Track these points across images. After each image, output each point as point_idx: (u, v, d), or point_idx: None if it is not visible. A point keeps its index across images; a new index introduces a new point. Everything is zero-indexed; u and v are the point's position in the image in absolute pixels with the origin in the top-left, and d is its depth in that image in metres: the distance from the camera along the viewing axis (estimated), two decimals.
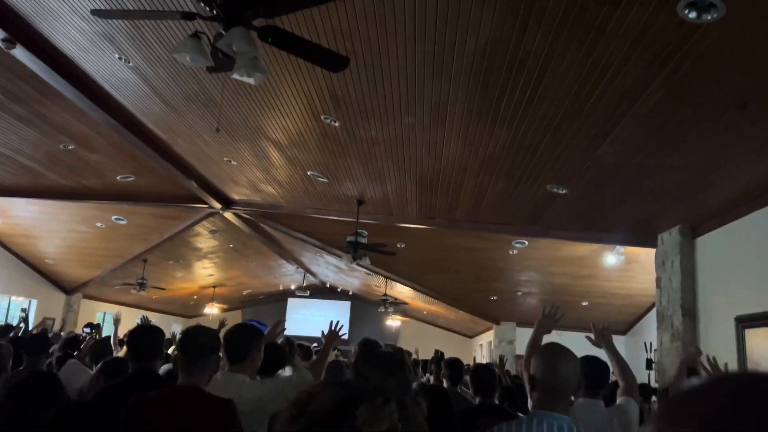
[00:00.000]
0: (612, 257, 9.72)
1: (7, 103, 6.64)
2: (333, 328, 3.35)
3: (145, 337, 2.94)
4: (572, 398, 2.50)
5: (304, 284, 19.30)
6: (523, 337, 16.37)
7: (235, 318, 16.32)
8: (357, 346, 4.24)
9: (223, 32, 2.76)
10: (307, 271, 18.30)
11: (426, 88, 4.56)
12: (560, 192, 6.33)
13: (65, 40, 5.33)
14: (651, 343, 9.74)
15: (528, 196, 6.83)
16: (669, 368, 6.75)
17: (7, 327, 8.29)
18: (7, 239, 13.80)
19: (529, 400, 2.84)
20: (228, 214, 10.85)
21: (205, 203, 9.98)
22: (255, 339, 2.80)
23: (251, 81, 3.00)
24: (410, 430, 0.88)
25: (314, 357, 5.02)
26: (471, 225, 8.42)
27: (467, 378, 5.72)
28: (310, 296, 20.24)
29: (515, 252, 10.11)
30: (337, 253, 12.03)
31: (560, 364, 2.12)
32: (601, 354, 3.10)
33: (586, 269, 10.61)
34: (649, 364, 9.47)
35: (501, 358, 7.11)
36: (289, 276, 19.17)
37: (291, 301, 21.79)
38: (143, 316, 3.89)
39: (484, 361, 16.83)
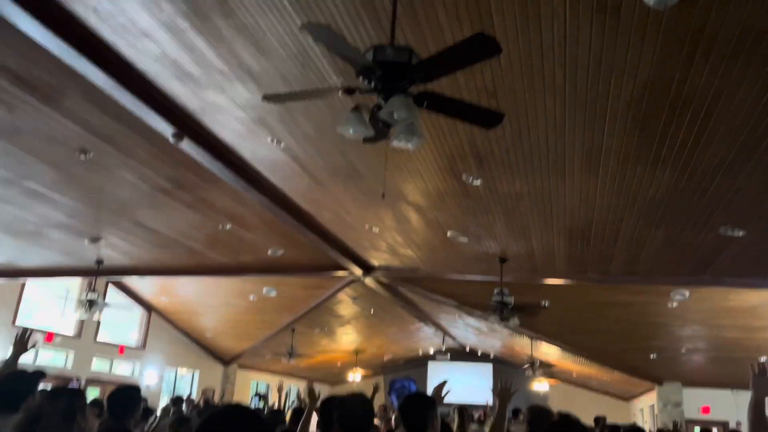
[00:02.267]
0: None
1: (176, 192, 7.35)
2: (505, 385, 3.17)
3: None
4: None
5: (444, 348, 18.98)
6: (690, 398, 14.74)
7: (379, 383, 16.33)
8: (527, 413, 3.98)
9: (382, 102, 2.83)
10: (446, 333, 18.02)
11: (577, 135, 4.38)
12: (736, 235, 5.71)
13: (225, 130, 5.84)
14: None
15: (695, 244, 6.23)
16: None
17: (178, 399, 8.90)
18: (171, 315, 15.11)
19: None
20: (368, 280, 11.04)
21: (347, 270, 10.24)
22: (431, 407, 2.70)
23: (409, 146, 3.05)
24: None
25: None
26: (627, 278, 7.83)
27: None
28: (451, 359, 19.83)
29: (675, 305, 9.23)
30: (481, 315, 11.72)
31: None
32: None
33: (760, 320, 9.42)
34: None
35: (675, 424, 6.41)
36: (428, 340, 18.99)
37: (431, 364, 21.44)
38: (308, 384, 3.91)
39: (647, 427, 15.26)
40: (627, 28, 3.18)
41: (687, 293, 8.61)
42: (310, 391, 3.62)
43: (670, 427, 7.57)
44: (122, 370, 14.42)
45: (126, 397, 3.27)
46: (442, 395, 3.47)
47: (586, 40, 3.33)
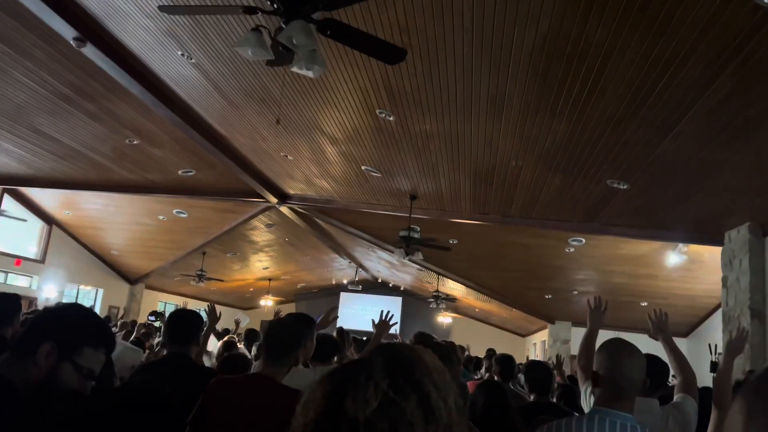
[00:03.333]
0: (674, 256, 9.35)
1: (78, 100, 6.97)
2: (384, 318, 3.36)
3: (181, 321, 2.97)
4: None
5: (357, 279, 19.47)
6: (578, 336, 15.96)
7: (289, 310, 16.62)
8: (412, 339, 4.25)
9: (284, 25, 2.80)
10: (360, 266, 18.45)
11: (483, 80, 4.51)
12: (621, 187, 6.15)
13: (132, 39, 5.55)
14: (716, 346, 9.34)
15: (586, 192, 6.66)
16: (735, 371, 6.44)
17: None
18: (76, 230, 14.53)
19: (584, 399, 2.76)
20: (284, 209, 11.05)
21: (262, 197, 10.20)
22: (307, 327, 2.82)
23: (310, 74, 3.05)
24: (407, 387, 0.85)
25: None
26: (526, 221, 8.27)
27: (521, 376, 5.64)
28: (362, 291, 20.40)
29: (572, 250, 9.88)
30: (390, 248, 12.07)
31: (625, 360, 2.05)
32: (660, 352, 2.96)
33: (646, 268, 10.26)
34: (713, 366, 9.07)
35: (558, 357, 7.01)
36: (342, 270, 19.38)
37: (343, 295, 22.00)
38: (209, 304, 4.00)
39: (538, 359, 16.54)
40: None
41: (583, 240, 9.23)
42: (212, 310, 3.72)
43: (552, 358, 8.31)
44: (19, 283, 13.86)
45: (3, 305, 3.21)
46: (329, 320, 3.64)
47: None
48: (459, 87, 4.77)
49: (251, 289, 19.95)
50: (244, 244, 14.71)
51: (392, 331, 3.52)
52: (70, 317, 1.52)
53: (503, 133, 5.44)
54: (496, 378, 4.83)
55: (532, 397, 3.87)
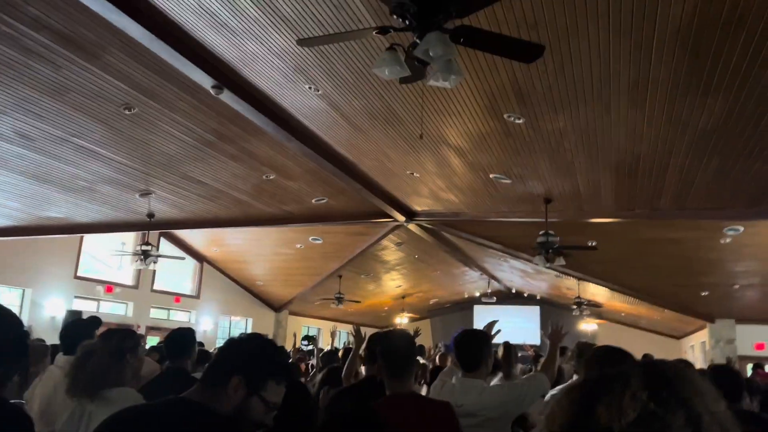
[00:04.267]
0: None
1: (220, 144, 7.48)
2: (555, 327, 3.20)
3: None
4: None
5: (489, 291, 19.09)
6: (743, 334, 14.45)
7: (424, 326, 16.69)
8: (574, 348, 4.01)
9: (417, 40, 2.78)
10: (492, 277, 18.09)
11: (623, 66, 4.21)
12: None
13: (263, 79, 5.86)
14: None
15: (749, 175, 5.99)
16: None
17: None
18: (223, 265, 15.65)
19: None
20: (412, 226, 11.11)
21: (391, 217, 10.32)
22: (486, 344, 2.76)
23: (447, 85, 3.00)
24: (673, 401, 0.77)
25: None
26: (679, 213, 7.61)
27: None
28: (497, 302, 19.95)
29: (728, 240, 8.96)
30: (525, 256, 11.68)
31: None
32: None
33: None
34: None
35: (729, 360, 6.32)
36: (474, 283, 19.11)
37: (477, 308, 21.64)
38: (354, 326, 4.06)
39: (698, 364, 15.12)
40: None
41: (741, 228, 8.34)
42: (357, 331, 3.75)
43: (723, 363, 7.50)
44: (179, 318, 15.13)
45: (180, 338, 3.45)
46: (492, 333, 3.52)
47: None
48: (595, 78, 4.49)
49: (386, 308, 20.27)
50: (376, 265, 15.00)
51: (531, 342, 3.35)
52: (255, 352, 1.59)
53: (648, 120, 5.04)
54: None
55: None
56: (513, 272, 16.34)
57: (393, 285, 17.60)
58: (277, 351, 1.67)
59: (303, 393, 2.48)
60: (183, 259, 13.39)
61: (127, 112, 6.48)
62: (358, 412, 1.87)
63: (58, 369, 3.00)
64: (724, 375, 3.63)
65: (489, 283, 18.71)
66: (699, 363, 15.29)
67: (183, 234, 13.90)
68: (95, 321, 3.64)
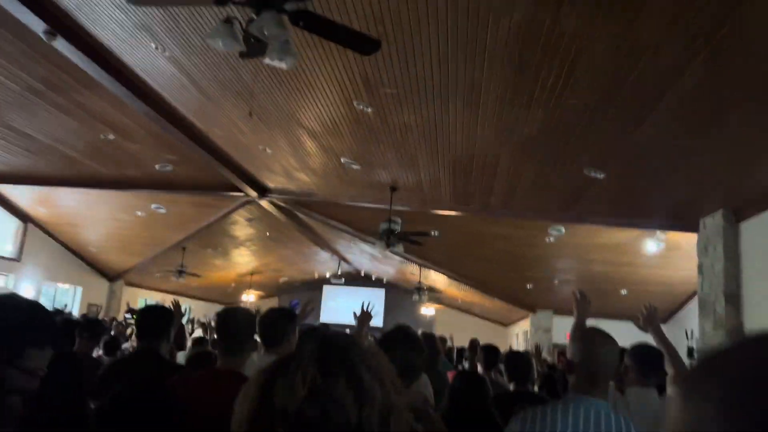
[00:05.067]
0: (652, 244, 9.48)
1: (48, 93, 6.84)
2: (364, 308, 3.36)
3: (151, 316, 2.92)
4: (611, 383, 2.44)
5: (339, 272, 19.45)
6: (559, 325, 16.14)
7: (271, 305, 16.58)
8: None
9: (255, 17, 2.77)
10: (342, 258, 18.43)
11: (459, 69, 4.50)
12: (597, 176, 6.20)
13: (104, 32, 5.44)
14: (692, 331, 9.50)
15: (564, 181, 6.71)
16: None
17: (56, 311, 8.63)
18: (52, 227, 14.29)
19: None
20: (264, 202, 10.98)
21: (242, 191, 10.11)
22: (290, 322, 2.82)
23: (283, 65, 3.01)
24: (337, 371, 0.81)
25: None
26: (506, 211, 8.32)
27: (501, 366, 5.69)
28: (345, 284, 20.39)
29: (552, 239, 9.96)
30: (371, 240, 12.07)
31: (598, 348, 2.08)
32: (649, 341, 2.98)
33: (625, 256, 10.39)
34: (690, 352, 9.25)
35: (537, 346, 7.05)
36: (325, 264, 19.34)
37: (326, 288, 21.98)
38: (173, 300, 3.95)
39: (521, 350, 16.69)
40: None
41: (563, 229, 9.30)
42: (176, 306, 3.66)
43: (531, 347, 8.40)
44: None
45: None
46: (306, 311, 3.64)
47: None
48: (435, 77, 4.76)
49: (233, 285, 19.83)
50: (224, 239, 14.60)
51: (373, 323, 3.51)
52: (11, 318, 1.43)
53: (481, 123, 5.45)
54: (479, 367, 4.86)
55: (511, 386, 3.90)
56: (363, 255, 16.79)
57: (242, 261, 17.26)
58: (38, 317, 1.51)
59: (71, 360, 2.35)
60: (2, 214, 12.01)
61: None
62: (145, 385, 1.84)
63: None
64: (516, 359, 4.08)
65: (339, 264, 19.05)
66: (522, 348, 16.87)
67: (4, 190, 12.47)
68: None
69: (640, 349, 3.03)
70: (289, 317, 2.87)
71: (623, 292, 12.24)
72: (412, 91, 5.17)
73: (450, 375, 4.23)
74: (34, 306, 1.53)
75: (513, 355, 4.19)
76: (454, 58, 4.38)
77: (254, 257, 17.10)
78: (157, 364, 2.58)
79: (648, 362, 2.98)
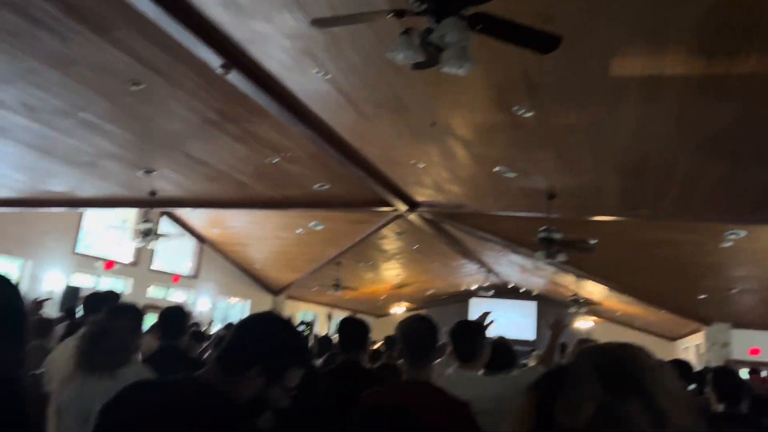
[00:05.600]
0: None
1: (224, 124, 7.43)
2: (558, 319, 3.20)
3: (352, 329, 2.97)
4: None
5: (486, 284, 19.10)
6: (738, 339, 14.48)
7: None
8: (575, 345, 4.01)
9: (434, 25, 2.74)
10: (490, 270, 18.09)
11: (636, 63, 4.16)
12: None
13: (271, 61, 5.80)
14: None
15: (754, 180, 5.96)
16: None
17: (229, 325, 9.32)
18: (223, 247, 15.64)
19: None
20: (412, 216, 11.08)
21: (392, 206, 10.28)
22: (482, 335, 2.76)
23: (461, 72, 2.96)
24: (626, 388, 0.77)
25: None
26: (680, 216, 7.60)
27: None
28: (493, 296, 19.97)
29: (729, 244, 8.95)
30: (526, 251, 11.66)
31: None
32: None
33: None
34: None
35: (727, 364, 6.32)
36: (471, 276, 19.11)
37: (473, 301, 21.65)
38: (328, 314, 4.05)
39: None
40: None
41: (742, 232, 8.33)
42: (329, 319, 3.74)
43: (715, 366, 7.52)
44: (177, 298, 15.15)
45: (174, 317, 3.40)
46: (485, 324, 3.52)
47: None
48: (607, 73, 4.44)
49: (383, 297, 20.30)
50: (375, 253, 15.00)
51: (524, 336, 3.33)
52: (277, 339, 1.52)
53: (657, 119, 5.00)
54: None
55: (721, 407, 3.48)
56: (511, 266, 16.34)
57: (391, 274, 17.61)
58: (297, 336, 1.60)
59: (312, 374, 2.46)
60: (183, 236, 13.36)
61: (133, 87, 6.42)
62: (394, 404, 1.83)
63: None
64: (725, 377, 3.63)
65: (487, 276, 18.72)
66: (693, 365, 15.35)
67: (184, 214, 13.87)
68: (115, 296, 3.64)
69: None
70: (480, 330, 2.82)
71: None
72: (579, 90, 4.88)
73: None
74: (294, 330, 1.60)
75: (723, 371, 3.74)
76: (630, 50, 4.05)
77: (402, 270, 17.38)
78: (361, 375, 2.61)
79: None
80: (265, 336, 1.53)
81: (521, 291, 20.65)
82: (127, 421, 1.34)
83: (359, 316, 3.92)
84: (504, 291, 20.81)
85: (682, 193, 6.84)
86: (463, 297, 21.65)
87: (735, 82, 4.14)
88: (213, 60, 5.71)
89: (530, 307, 20.80)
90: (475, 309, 21.68)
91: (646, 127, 5.25)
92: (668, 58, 4.01)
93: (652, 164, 6.15)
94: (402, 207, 10.27)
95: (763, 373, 9.42)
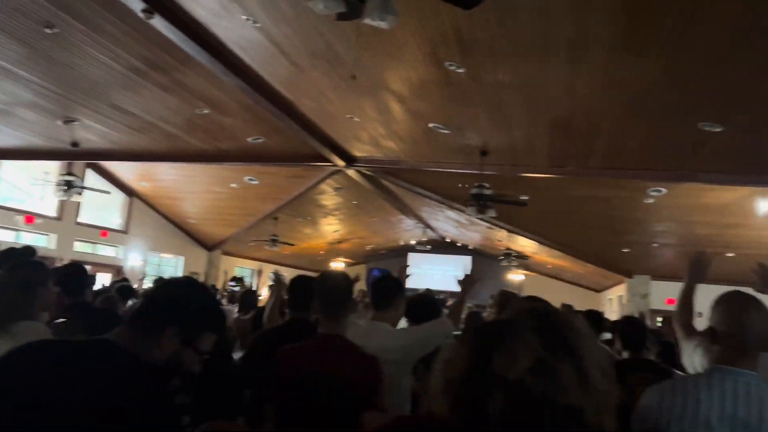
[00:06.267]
0: (766, 203, 8.73)
1: (151, 73, 7.10)
2: (468, 275, 3.30)
3: (304, 286, 2.96)
4: None
5: (425, 239, 19.44)
6: (657, 290, 15.41)
7: (359, 271, 16.90)
8: (496, 296, 4.15)
9: None
10: (427, 226, 18.39)
11: (564, 22, 4.21)
12: (714, 130, 5.69)
13: (197, 6, 5.54)
14: None
15: (675, 138, 6.23)
16: None
17: (160, 279, 9.15)
18: (154, 200, 15.16)
19: (687, 357, 2.57)
20: (351, 172, 11.05)
21: (330, 161, 10.20)
22: (400, 289, 2.82)
23: (384, 25, 2.91)
24: (560, 349, 0.81)
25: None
26: (607, 172, 7.89)
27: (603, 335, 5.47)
28: (431, 251, 20.37)
29: (651, 200, 9.41)
30: (460, 207, 11.89)
31: (751, 314, 1.89)
32: None
33: (733, 217, 9.66)
34: None
35: (642, 315, 6.75)
36: (410, 231, 19.39)
37: (411, 255, 22.03)
38: (274, 272, 4.04)
39: (615, 316, 16.11)
40: None
41: (664, 189, 8.75)
42: (277, 279, 3.75)
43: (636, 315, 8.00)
44: (106, 252, 14.67)
45: (75, 274, 3.35)
46: (403, 278, 3.60)
47: None
48: (536, 32, 4.49)
49: (322, 252, 20.34)
50: (313, 209, 14.93)
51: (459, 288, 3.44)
52: (194, 303, 1.52)
53: (585, 78, 5.12)
54: None
55: (625, 354, 3.72)
56: (448, 222, 16.66)
57: (330, 230, 17.62)
58: (213, 300, 1.62)
59: (225, 342, 2.47)
60: (108, 193, 12.83)
61: (47, 30, 6.01)
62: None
63: None
64: (631, 326, 3.88)
65: (424, 231, 19.03)
66: (615, 314, 16.27)
67: (111, 166, 13.29)
68: (31, 251, 3.49)
69: None
70: (399, 284, 2.88)
71: (730, 255, 11.44)
72: (509, 47, 4.91)
73: None
74: (211, 296, 1.60)
75: (630, 321, 3.98)
76: (557, 10, 4.09)
77: (342, 226, 17.41)
78: (312, 333, 2.60)
79: None
80: (181, 299, 1.53)
81: (458, 245, 21.15)
82: (16, 379, 1.30)
83: (298, 272, 3.93)
84: (441, 246, 21.26)
85: (608, 150, 7.09)
86: (402, 252, 21.99)
87: (657, 41, 4.27)
88: (135, 4, 5.41)
89: (465, 261, 21.37)
90: (414, 263, 22.10)
91: (574, 85, 5.36)
92: (592, 15, 4.07)
93: (580, 122, 6.33)
94: (340, 162, 10.21)
95: None
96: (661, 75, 4.77)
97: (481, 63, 5.37)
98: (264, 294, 9.54)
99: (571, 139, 6.94)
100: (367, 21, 2.90)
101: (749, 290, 2.75)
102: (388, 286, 2.85)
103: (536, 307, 0.91)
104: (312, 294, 2.59)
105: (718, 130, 5.68)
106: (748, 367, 1.86)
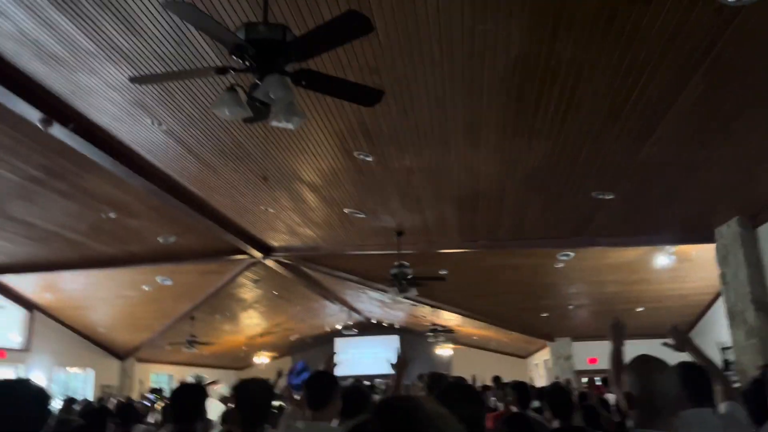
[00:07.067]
0: (662, 258, 9.39)
1: (49, 181, 6.84)
2: (400, 357, 3.28)
3: (186, 396, 2.81)
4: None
5: (350, 322, 19.17)
6: (579, 351, 15.83)
7: (284, 365, 16.26)
8: (426, 379, 4.13)
9: (258, 82, 2.76)
10: (352, 308, 18.20)
11: (458, 109, 4.52)
12: (606, 198, 6.17)
13: (99, 113, 5.48)
14: (721, 343, 9.32)
15: (572, 207, 6.68)
16: (749, 367, 6.40)
17: (71, 400, 8.40)
18: (58, 312, 14.10)
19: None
20: (269, 261, 10.89)
21: (247, 253, 10.04)
22: (335, 384, 2.76)
23: (290, 126, 3.00)
24: None
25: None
26: (515, 243, 8.26)
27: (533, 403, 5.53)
28: (358, 334, 20.07)
29: (562, 265, 9.87)
30: (382, 288, 11.93)
31: (657, 376, 1.99)
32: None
33: (636, 274, 10.29)
34: (726, 365, 9.01)
35: (568, 381, 6.89)
36: (335, 316, 19.07)
37: (338, 341, 21.57)
38: (196, 375, 3.84)
39: (542, 381, 16.32)
40: (495, 4, 3.30)
41: (571, 253, 9.23)
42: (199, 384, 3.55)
43: (562, 381, 8.17)
44: (4, 375, 13.34)
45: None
46: (332, 366, 3.54)
47: (458, 15, 3.42)
48: (435, 120, 4.78)
49: (244, 348, 19.51)
50: (232, 304, 14.43)
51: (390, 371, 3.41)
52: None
53: (483, 158, 5.45)
54: (511, 407, 4.73)
55: (555, 423, 3.76)
56: (372, 303, 16.58)
57: (251, 323, 17.02)
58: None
59: None
60: (2, 307, 11.84)
61: None
62: None
63: None
64: (557, 395, 3.94)
65: (349, 314, 18.80)
66: (543, 379, 16.50)
67: (7, 280, 12.35)
68: None
69: (686, 369, 2.91)
70: (333, 379, 2.83)
71: (639, 309, 12.07)
72: (412, 135, 5.18)
73: (489, 418, 4.09)
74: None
75: (556, 389, 4.04)
76: (451, 99, 4.40)
77: (263, 318, 16.88)
78: None
79: (699, 382, 2.85)
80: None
81: (384, 325, 20.98)
82: None
83: (220, 371, 3.71)
84: (368, 327, 21.00)
85: (512, 222, 7.47)
86: (329, 338, 21.49)
87: (543, 121, 4.65)
88: (31, 114, 5.28)
89: (393, 341, 21.15)
90: (341, 348, 21.60)
91: (474, 165, 5.69)
92: (483, 101, 4.40)
93: (484, 198, 6.67)
94: (257, 254, 10.07)
95: (598, 381, 10.40)
96: (551, 151, 5.17)
97: (388, 151, 5.60)
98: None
99: (478, 214, 7.27)
100: (274, 123, 2.99)
101: (663, 340, 2.93)
102: (323, 385, 2.78)
103: (383, 402, 0.91)
104: (198, 402, 2.51)
105: (610, 197, 6.17)
106: (662, 429, 1.94)
